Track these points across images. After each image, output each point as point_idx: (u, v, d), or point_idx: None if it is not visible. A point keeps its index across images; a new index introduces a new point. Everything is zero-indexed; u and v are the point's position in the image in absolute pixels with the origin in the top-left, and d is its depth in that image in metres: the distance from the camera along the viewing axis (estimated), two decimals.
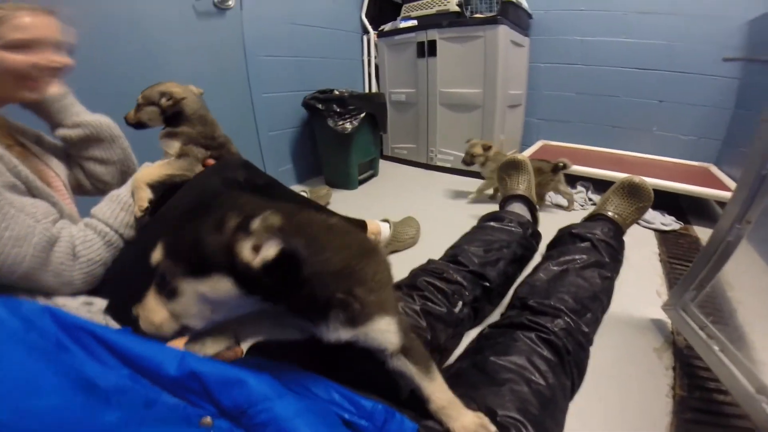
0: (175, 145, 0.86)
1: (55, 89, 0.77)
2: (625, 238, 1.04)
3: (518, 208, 1.14)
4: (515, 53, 2.18)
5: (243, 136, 1.86)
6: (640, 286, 1.18)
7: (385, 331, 0.45)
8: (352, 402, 0.45)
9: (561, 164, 1.66)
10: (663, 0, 2.06)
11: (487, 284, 0.88)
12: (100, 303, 0.65)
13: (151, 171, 0.81)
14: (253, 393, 0.37)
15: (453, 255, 0.92)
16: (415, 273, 0.87)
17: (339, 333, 0.43)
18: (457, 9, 2.11)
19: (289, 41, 2.05)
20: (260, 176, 0.88)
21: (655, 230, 1.59)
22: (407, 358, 0.48)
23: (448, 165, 2.36)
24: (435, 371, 0.50)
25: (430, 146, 2.40)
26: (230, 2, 1.71)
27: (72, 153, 0.85)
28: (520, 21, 2.19)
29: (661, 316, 1.00)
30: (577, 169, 1.83)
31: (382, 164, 2.48)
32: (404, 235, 1.38)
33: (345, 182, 2.10)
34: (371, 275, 0.44)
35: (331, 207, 1.66)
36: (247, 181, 0.83)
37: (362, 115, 1.92)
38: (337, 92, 1.98)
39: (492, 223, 1.05)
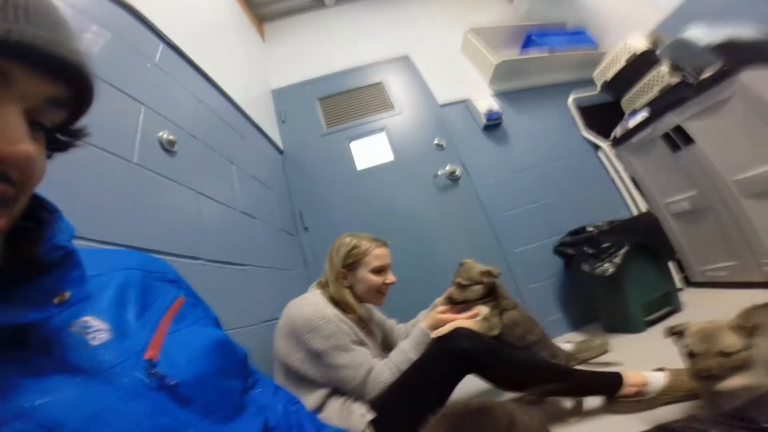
0: (485, 311, 1.18)
1: None
2: None
3: None
4: None
5: None
6: None
7: None
8: None
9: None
10: None
11: None
12: (370, 415, 0.95)
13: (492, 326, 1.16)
14: None
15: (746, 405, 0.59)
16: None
17: None
18: (677, 79, 1.75)
19: (522, 189, 2.16)
20: (483, 343, 1.01)
21: None
22: None
23: None
24: None
25: (757, 256, 1.62)
26: (458, 172, 2.10)
27: None
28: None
29: None
30: None
31: (693, 293, 1.90)
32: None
33: (627, 326, 1.70)
34: None
35: (610, 356, 1.46)
36: (471, 351, 0.98)
37: (623, 249, 1.66)
38: (590, 229, 1.82)
39: None
